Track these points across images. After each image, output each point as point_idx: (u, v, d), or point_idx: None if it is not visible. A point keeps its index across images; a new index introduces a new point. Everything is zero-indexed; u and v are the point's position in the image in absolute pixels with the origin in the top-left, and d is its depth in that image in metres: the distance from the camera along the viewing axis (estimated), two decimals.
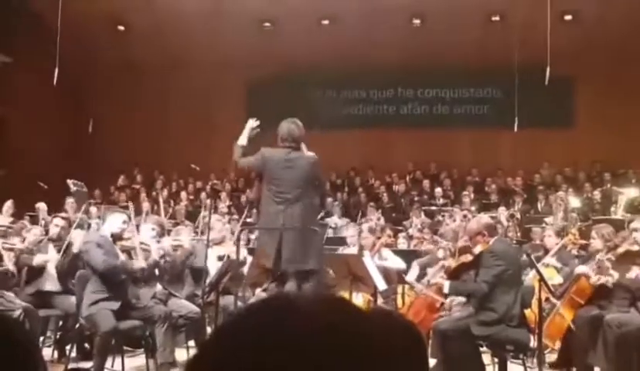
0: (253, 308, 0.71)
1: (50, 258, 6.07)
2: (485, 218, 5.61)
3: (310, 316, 0.66)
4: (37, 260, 6.03)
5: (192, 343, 6.15)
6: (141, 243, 5.94)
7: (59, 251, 6.11)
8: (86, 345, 5.96)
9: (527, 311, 5.11)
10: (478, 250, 5.06)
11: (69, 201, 9.95)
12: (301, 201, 4.91)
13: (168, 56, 14.83)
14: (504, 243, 5.47)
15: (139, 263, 5.67)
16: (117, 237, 5.68)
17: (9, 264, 5.61)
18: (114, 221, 5.74)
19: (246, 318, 0.69)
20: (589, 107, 14.64)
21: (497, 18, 13.68)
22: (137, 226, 7.56)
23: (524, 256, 5.61)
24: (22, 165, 13.41)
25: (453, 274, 5.34)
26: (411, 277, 6.79)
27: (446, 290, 5.33)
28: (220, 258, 6.28)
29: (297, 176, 4.92)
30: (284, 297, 0.70)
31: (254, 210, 10.85)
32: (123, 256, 5.66)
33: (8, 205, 9.82)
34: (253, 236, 7.55)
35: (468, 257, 5.19)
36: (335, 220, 11.47)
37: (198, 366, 0.67)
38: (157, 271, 6.10)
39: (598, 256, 5.55)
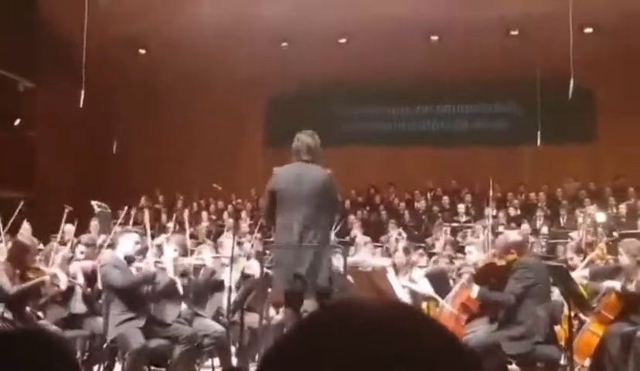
0: (320, 314, 0.69)
1: (78, 279, 6.11)
2: (512, 235, 5.52)
3: (377, 322, 0.66)
4: (63, 285, 6.03)
5: (216, 362, 6.15)
6: (157, 262, 5.96)
7: (85, 274, 6.15)
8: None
9: (557, 328, 5.05)
10: (510, 258, 5.02)
11: (93, 223, 10.05)
12: (318, 217, 4.66)
13: (187, 75, 15.01)
14: (533, 258, 5.43)
15: (152, 269, 5.65)
16: (130, 259, 5.70)
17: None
18: (126, 243, 5.74)
19: (312, 325, 0.67)
20: (611, 120, 14.49)
21: (516, 33, 13.65)
22: (160, 246, 7.63)
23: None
24: (48, 187, 13.60)
25: (481, 274, 5.26)
26: (423, 289, 6.69)
27: (474, 295, 5.26)
28: (246, 276, 6.29)
29: (310, 192, 4.64)
30: (352, 303, 0.69)
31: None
32: None
33: (25, 227, 9.76)
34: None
35: (501, 261, 5.12)
36: (356, 238, 11.41)
37: None
38: (180, 289, 6.12)
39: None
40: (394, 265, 6.52)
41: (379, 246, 9.77)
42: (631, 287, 5.39)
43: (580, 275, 6.01)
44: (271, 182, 4.84)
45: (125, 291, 5.41)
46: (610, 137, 14.44)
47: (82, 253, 6.48)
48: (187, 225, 8.90)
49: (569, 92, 10.31)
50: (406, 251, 6.73)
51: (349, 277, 5.41)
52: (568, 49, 10.70)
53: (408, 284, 6.25)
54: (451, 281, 7.02)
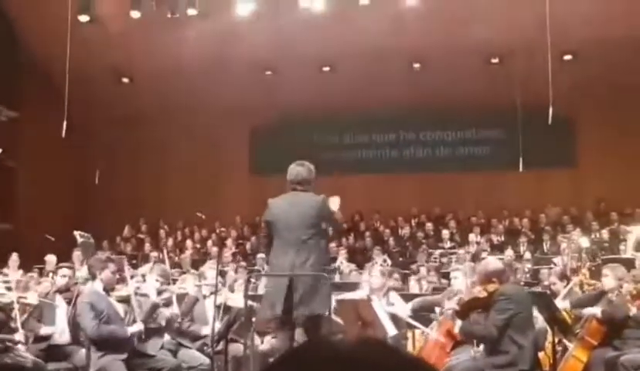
0: (295, 353, 0.71)
1: (56, 329, 5.99)
2: (492, 263, 5.43)
3: (353, 361, 0.66)
4: (43, 331, 5.94)
5: None
6: (137, 288, 5.90)
7: (68, 302, 6.07)
8: None
9: (541, 355, 5.04)
10: (491, 288, 5.01)
11: (77, 253, 9.97)
12: (312, 243, 4.72)
13: (171, 105, 15.01)
14: (515, 286, 5.42)
15: (135, 327, 5.52)
16: (110, 289, 5.64)
17: (18, 322, 5.54)
18: (103, 273, 5.66)
19: (288, 364, 0.68)
20: (591, 146, 14.69)
21: (496, 61, 13.85)
22: (143, 276, 7.56)
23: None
24: (30, 217, 13.46)
25: (464, 310, 5.24)
26: (399, 311, 6.65)
27: (457, 330, 5.26)
28: (227, 308, 6.22)
29: (304, 218, 4.74)
30: (325, 343, 0.70)
31: (259, 256, 10.86)
32: (120, 307, 5.59)
33: (14, 258, 9.79)
34: (261, 284, 7.48)
35: (482, 293, 5.09)
36: (341, 265, 11.39)
37: None
38: (163, 322, 6.05)
39: (623, 289, 5.48)
40: (370, 288, 6.51)
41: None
42: (611, 306, 5.43)
43: (563, 301, 6.03)
44: (266, 213, 4.99)
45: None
46: (590, 163, 14.61)
47: (63, 276, 6.41)
48: (166, 255, 8.83)
49: (549, 118, 10.46)
50: (383, 274, 6.71)
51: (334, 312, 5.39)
52: (548, 76, 10.87)
53: (387, 308, 6.23)
54: (437, 310, 7.00)
